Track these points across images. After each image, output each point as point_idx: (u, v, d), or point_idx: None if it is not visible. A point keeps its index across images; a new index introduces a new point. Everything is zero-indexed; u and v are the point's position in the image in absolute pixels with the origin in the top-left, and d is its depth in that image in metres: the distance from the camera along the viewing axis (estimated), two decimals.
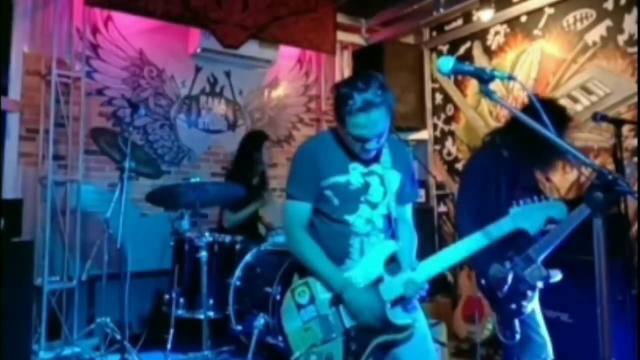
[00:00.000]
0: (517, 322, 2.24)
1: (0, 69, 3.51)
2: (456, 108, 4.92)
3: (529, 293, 2.24)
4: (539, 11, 4.18)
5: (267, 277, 3.20)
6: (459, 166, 4.86)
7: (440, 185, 5.03)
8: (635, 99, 3.55)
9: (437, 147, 5.09)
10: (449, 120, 5.00)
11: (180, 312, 3.39)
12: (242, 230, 3.85)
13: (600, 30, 3.80)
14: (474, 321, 3.87)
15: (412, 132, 5.03)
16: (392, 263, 1.92)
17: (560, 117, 2.29)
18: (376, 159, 1.97)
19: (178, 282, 3.46)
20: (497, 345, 3.27)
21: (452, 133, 4.96)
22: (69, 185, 3.87)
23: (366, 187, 1.94)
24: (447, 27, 5.01)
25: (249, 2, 4.39)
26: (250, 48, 4.49)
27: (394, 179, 1.98)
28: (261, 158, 4.14)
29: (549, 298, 2.39)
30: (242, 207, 3.92)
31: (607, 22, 3.75)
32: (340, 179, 1.92)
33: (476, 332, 3.85)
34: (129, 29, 4.25)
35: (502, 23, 4.46)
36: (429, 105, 5.15)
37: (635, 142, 3.54)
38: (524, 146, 2.26)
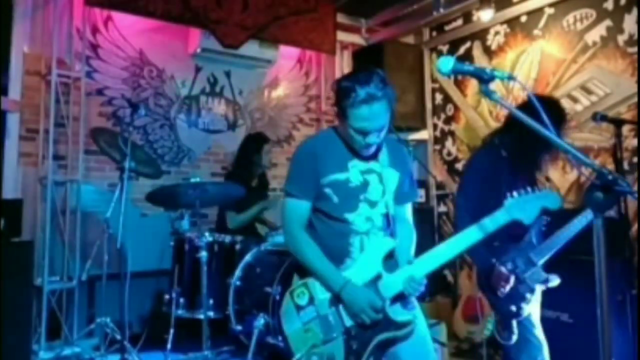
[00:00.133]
0: (514, 323, 2.25)
1: (0, 69, 3.51)
2: (456, 108, 4.92)
3: (529, 296, 2.26)
4: (539, 11, 4.18)
5: (267, 277, 3.20)
6: (459, 166, 4.86)
7: (440, 185, 5.03)
8: (635, 99, 3.55)
9: (437, 147, 5.09)
10: (449, 120, 5.00)
11: (180, 312, 3.38)
12: (242, 230, 3.85)
13: (600, 30, 3.80)
14: (474, 321, 3.87)
15: (412, 132, 5.03)
16: (390, 260, 1.93)
17: (558, 116, 2.29)
18: (375, 157, 1.98)
19: (178, 282, 3.46)
20: (497, 346, 3.27)
21: (452, 133, 4.96)
22: (69, 185, 3.87)
23: (365, 185, 1.95)
24: (447, 27, 5.01)
25: (249, 2, 4.39)
26: (250, 48, 4.48)
27: (392, 177, 1.99)
28: (260, 161, 4.14)
29: (549, 298, 2.39)
30: (245, 208, 3.92)
31: (607, 22, 3.75)
32: (340, 176, 1.93)
33: (476, 332, 3.85)
34: (129, 29, 4.25)
35: (502, 23, 4.47)
36: (429, 105, 5.15)
37: (635, 142, 3.54)
38: (523, 146, 2.27)
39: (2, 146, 3.56)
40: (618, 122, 2.73)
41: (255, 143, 4.20)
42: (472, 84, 4.73)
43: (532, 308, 2.32)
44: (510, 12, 4.36)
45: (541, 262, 2.28)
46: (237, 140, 4.49)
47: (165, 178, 4.06)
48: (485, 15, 4.38)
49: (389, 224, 2.00)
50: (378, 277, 1.87)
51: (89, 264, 3.75)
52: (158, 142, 4.37)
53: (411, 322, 1.87)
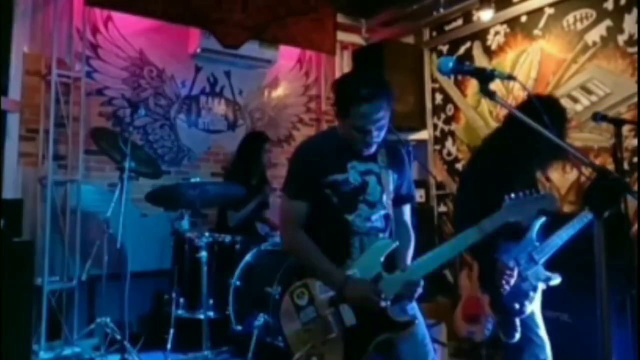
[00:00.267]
0: (517, 321, 2.26)
1: (0, 69, 3.51)
2: (456, 108, 4.92)
3: (531, 293, 2.28)
4: (539, 11, 4.18)
5: (267, 277, 3.20)
6: (459, 166, 4.86)
7: (440, 185, 5.03)
8: (635, 99, 3.55)
9: (437, 147, 5.09)
10: (449, 120, 5.00)
11: (180, 312, 3.39)
12: (242, 230, 3.85)
13: (600, 30, 3.80)
14: (474, 321, 3.86)
15: (412, 132, 5.03)
16: (390, 261, 1.93)
17: (559, 116, 2.30)
18: (374, 158, 1.98)
19: (178, 282, 3.46)
20: (497, 346, 3.27)
21: (452, 133, 4.96)
22: (69, 185, 3.86)
23: (364, 186, 1.95)
24: (447, 27, 5.01)
25: (249, 2, 4.39)
26: (250, 48, 4.48)
27: (391, 179, 2.00)
28: (260, 160, 4.15)
29: (549, 298, 2.39)
30: (244, 205, 3.92)
31: (607, 22, 3.75)
32: (339, 177, 1.94)
33: (476, 332, 3.84)
34: (129, 29, 4.24)
35: (502, 23, 4.46)
36: (429, 105, 5.14)
37: (635, 142, 3.54)
38: (523, 146, 2.27)
39: (2, 146, 3.56)
40: (618, 122, 2.71)
41: (254, 142, 4.21)
42: (472, 84, 4.72)
43: (535, 307, 2.34)
44: (510, 12, 4.36)
45: (542, 260, 2.30)
46: (237, 140, 4.49)
47: (165, 178, 4.05)
48: (485, 15, 4.38)
49: (388, 225, 2.00)
50: (378, 278, 1.87)
51: (89, 264, 3.74)
52: (158, 142, 4.37)
53: (411, 322, 1.87)
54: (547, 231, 2.37)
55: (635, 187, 3.49)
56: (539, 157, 2.36)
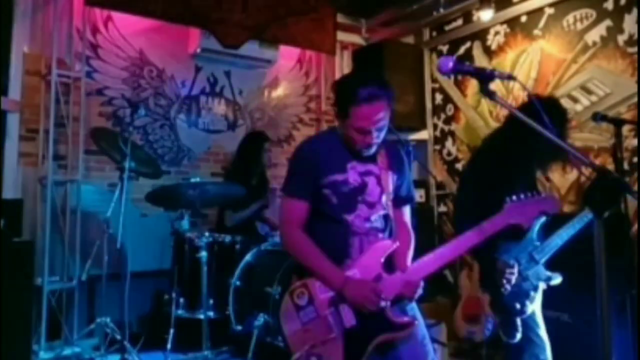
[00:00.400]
0: (518, 321, 2.26)
1: (0, 69, 3.51)
2: (456, 108, 4.92)
3: (532, 293, 2.28)
4: (539, 11, 4.18)
5: (267, 277, 3.20)
6: (459, 166, 4.86)
7: (440, 185, 5.03)
8: (635, 99, 3.55)
9: (437, 147, 5.09)
10: (449, 120, 5.00)
11: (180, 312, 3.39)
12: (242, 230, 3.85)
13: (600, 30, 3.80)
14: (474, 321, 3.86)
15: (412, 132, 5.03)
16: (390, 262, 1.93)
17: (559, 117, 2.30)
18: (374, 159, 1.99)
19: (178, 282, 3.46)
20: (498, 345, 3.27)
21: (452, 133, 4.96)
22: (69, 185, 3.86)
23: (363, 186, 1.95)
24: (447, 27, 5.01)
25: (249, 2, 4.39)
26: (250, 48, 4.48)
27: (391, 180, 2.00)
28: (261, 159, 4.15)
29: (549, 298, 2.39)
30: (243, 206, 3.92)
31: (607, 22, 3.75)
32: (339, 177, 1.94)
33: (476, 332, 3.84)
34: (129, 29, 4.24)
35: (502, 23, 4.46)
36: (429, 105, 5.14)
37: (635, 142, 3.54)
38: (523, 146, 2.27)
39: (2, 146, 3.56)
40: (618, 122, 2.71)
41: (255, 142, 4.21)
42: (472, 84, 4.72)
43: (535, 307, 2.34)
44: (510, 12, 4.36)
45: (543, 260, 2.30)
46: (237, 140, 4.49)
47: (165, 178, 4.05)
48: (485, 15, 4.38)
49: (388, 225, 2.00)
50: (378, 278, 1.87)
51: (89, 264, 3.74)
52: (158, 142, 4.37)
53: (410, 323, 1.87)
54: (547, 231, 2.37)
55: (635, 187, 3.49)
56: (540, 157, 2.36)
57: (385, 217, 2.00)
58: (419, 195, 4.91)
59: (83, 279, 3.75)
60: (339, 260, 1.92)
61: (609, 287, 1.31)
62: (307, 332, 1.87)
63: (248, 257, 3.44)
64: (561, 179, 3.97)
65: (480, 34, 4.66)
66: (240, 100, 4.83)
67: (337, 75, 5.30)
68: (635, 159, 3.54)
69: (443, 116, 5.05)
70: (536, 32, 4.21)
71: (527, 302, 2.27)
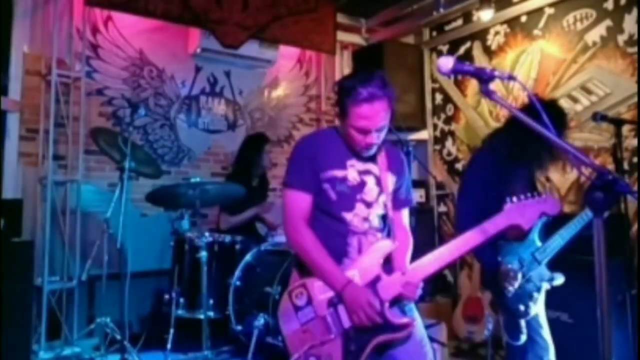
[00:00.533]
0: (523, 323, 2.26)
1: (0, 69, 3.51)
2: (456, 108, 4.92)
3: (535, 294, 2.27)
4: (539, 11, 4.18)
5: (267, 277, 3.20)
6: (459, 166, 4.86)
7: (440, 185, 5.03)
8: (635, 99, 3.55)
9: (437, 147, 5.09)
10: (449, 120, 5.00)
11: (180, 312, 3.39)
12: (242, 230, 3.86)
13: (600, 30, 3.80)
14: (474, 321, 3.87)
15: (412, 132, 5.03)
16: (389, 263, 1.93)
17: (559, 119, 2.30)
18: (373, 159, 1.99)
19: (178, 282, 3.46)
20: (498, 345, 3.28)
21: (452, 133, 4.96)
22: (69, 185, 3.86)
23: (362, 185, 1.95)
24: (447, 27, 5.01)
25: (249, 2, 4.39)
26: (250, 48, 4.48)
27: (390, 181, 2.00)
28: (261, 161, 4.15)
29: (549, 298, 2.39)
30: (240, 210, 3.92)
31: (607, 22, 3.75)
32: (338, 173, 1.94)
33: (476, 332, 3.85)
34: (129, 29, 4.24)
35: (502, 23, 4.47)
36: (429, 105, 5.15)
37: (635, 142, 3.54)
38: (523, 146, 2.27)
39: (2, 146, 3.56)
40: (618, 122, 2.73)
41: (256, 143, 4.20)
42: (472, 84, 4.73)
43: (539, 308, 2.33)
44: (510, 12, 4.36)
45: (545, 261, 2.30)
46: (237, 140, 4.49)
47: (165, 178, 4.05)
48: (485, 15, 4.38)
49: (386, 226, 2.00)
50: (377, 279, 1.87)
51: (89, 264, 3.74)
52: (158, 142, 4.37)
53: (409, 324, 1.87)
54: (548, 231, 2.37)
55: (635, 187, 3.49)
56: (539, 158, 2.36)
57: (384, 218, 2.00)
58: (419, 195, 4.91)
59: (83, 279, 3.75)
60: (337, 259, 1.92)
61: (609, 287, 1.31)
62: (305, 332, 1.87)
63: (248, 257, 3.44)
64: (561, 179, 3.97)
65: (480, 34, 4.66)
66: (240, 100, 4.83)
67: (337, 75, 5.30)
68: (635, 159, 3.54)
69: (443, 116, 5.05)
70: (536, 32, 4.21)
71: (531, 304, 2.27)
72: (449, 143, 4.99)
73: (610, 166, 2.72)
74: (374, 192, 1.97)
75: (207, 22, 4.18)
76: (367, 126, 1.85)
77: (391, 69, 4.68)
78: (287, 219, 1.98)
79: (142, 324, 3.97)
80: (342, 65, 5.37)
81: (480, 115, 4.68)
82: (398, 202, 2.05)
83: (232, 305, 3.31)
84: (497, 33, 4.53)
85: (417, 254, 1.99)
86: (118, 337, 3.28)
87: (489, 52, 4.60)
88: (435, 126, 5.13)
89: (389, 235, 1.99)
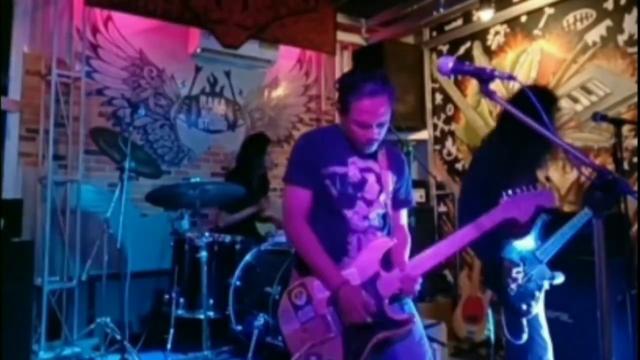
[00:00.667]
0: (524, 322, 2.26)
1: (0, 69, 3.51)
2: (456, 108, 4.92)
3: (537, 293, 2.28)
4: (539, 11, 4.18)
5: (267, 277, 3.20)
6: (459, 166, 4.86)
7: (440, 185, 5.03)
8: (635, 99, 3.55)
9: (437, 147, 5.09)
10: (449, 120, 5.00)
11: (180, 312, 3.39)
12: (241, 230, 3.86)
13: (600, 30, 3.80)
14: (474, 321, 3.87)
15: (412, 132, 5.03)
16: (388, 260, 1.93)
17: (547, 99, 2.29)
18: (374, 157, 1.99)
19: (178, 282, 3.47)
20: (498, 345, 3.27)
21: (452, 133, 4.96)
22: (69, 185, 3.86)
23: (362, 182, 1.96)
24: (447, 27, 5.01)
25: (249, 2, 4.39)
26: (250, 48, 4.48)
27: (390, 180, 2.00)
28: (262, 162, 4.15)
29: (549, 298, 2.39)
30: (240, 208, 3.92)
31: (607, 22, 3.75)
32: (339, 169, 1.94)
33: (476, 332, 3.85)
34: (129, 29, 4.24)
35: (502, 23, 4.47)
36: (429, 105, 5.15)
37: (635, 142, 3.54)
38: (522, 144, 2.27)
39: (2, 146, 3.56)
40: (618, 122, 2.72)
41: (257, 144, 4.20)
42: (472, 84, 4.73)
43: (539, 308, 2.34)
44: (510, 12, 4.36)
45: (546, 259, 2.31)
46: (237, 140, 4.49)
47: (165, 178, 4.05)
48: (485, 15, 4.38)
49: (386, 224, 2.00)
50: (376, 276, 1.88)
51: (89, 264, 3.74)
52: (158, 142, 4.37)
53: (409, 320, 1.87)
54: (548, 230, 2.37)
55: (635, 187, 3.49)
56: (536, 153, 2.36)
57: (384, 216, 2.00)
58: (419, 195, 4.91)
59: (83, 279, 3.75)
60: (337, 257, 1.92)
61: (609, 287, 1.31)
62: (306, 331, 1.87)
63: (248, 257, 3.44)
64: (561, 179, 3.97)
65: (480, 34, 4.66)
66: (240, 100, 4.83)
67: (337, 75, 5.30)
68: (635, 159, 3.54)
69: (443, 116, 5.05)
70: (536, 32, 4.21)
71: (533, 303, 2.27)
72: (449, 143, 4.99)
73: (610, 166, 2.71)
74: (375, 190, 1.97)
75: (207, 22, 4.19)
76: (368, 120, 1.86)
77: (391, 69, 4.68)
78: (286, 215, 1.99)
79: (142, 324, 3.97)
80: (342, 65, 5.37)
81: (480, 115, 4.68)
82: (398, 202, 2.05)
83: (232, 305, 3.32)
84: (497, 33, 4.53)
85: (416, 254, 1.99)
86: (118, 337, 3.28)
87: (489, 52, 4.60)
88: (435, 126, 5.13)
89: (389, 234, 1.99)
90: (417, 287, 1.87)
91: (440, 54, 5.08)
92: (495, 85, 4.08)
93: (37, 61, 3.80)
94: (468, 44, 4.79)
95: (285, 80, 5.12)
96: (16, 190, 3.65)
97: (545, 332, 2.36)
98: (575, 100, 3.94)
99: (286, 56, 5.00)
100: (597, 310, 1.31)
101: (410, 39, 5.31)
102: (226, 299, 3.33)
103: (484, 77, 1.47)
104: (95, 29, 4.12)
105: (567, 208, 3.91)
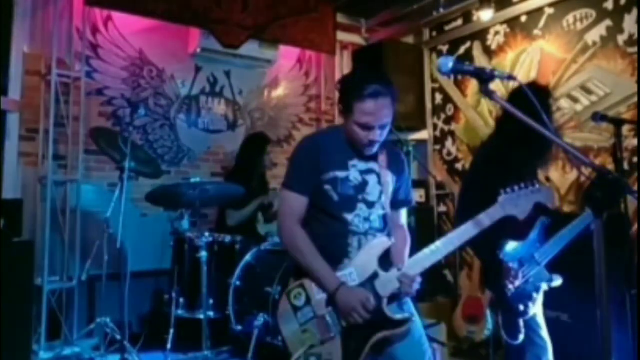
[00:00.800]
0: (521, 322, 2.27)
1: (0, 69, 3.51)
2: (456, 108, 4.92)
3: (535, 295, 2.29)
4: (539, 11, 4.18)
5: (267, 277, 3.20)
6: (459, 166, 4.86)
7: (440, 185, 5.03)
8: (635, 99, 3.55)
9: (437, 147, 5.09)
10: (449, 120, 5.00)
11: (180, 312, 3.39)
12: (242, 230, 3.85)
13: (600, 30, 3.80)
14: (474, 321, 3.87)
15: (412, 132, 5.03)
16: (387, 259, 1.93)
17: (542, 96, 2.29)
18: (375, 158, 1.99)
19: (178, 282, 3.46)
20: (498, 345, 3.27)
21: (452, 133, 4.96)
22: (69, 185, 3.86)
23: (364, 185, 1.96)
24: (447, 27, 5.01)
25: (249, 2, 4.39)
26: (250, 48, 4.48)
27: (391, 180, 2.01)
28: (262, 161, 4.14)
29: (549, 298, 2.40)
30: (244, 205, 3.91)
31: (607, 22, 3.75)
32: (340, 174, 1.94)
33: (476, 332, 3.84)
34: (129, 29, 4.24)
35: (502, 23, 4.47)
36: (429, 105, 5.15)
37: (635, 142, 3.54)
38: (523, 145, 2.27)
39: (2, 146, 3.56)
40: (618, 122, 2.72)
41: (257, 144, 4.20)
42: (472, 84, 4.72)
43: (537, 308, 2.34)
44: (510, 12, 4.36)
45: (545, 261, 2.31)
46: (237, 140, 4.49)
47: (165, 178, 4.05)
48: (485, 15, 4.38)
49: (387, 226, 2.00)
50: (375, 276, 1.88)
51: (89, 264, 3.74)
52: (158, 142, 4.37)
53: (408, 320, 1.87)
54: (548, 233, 2.37)
55: (635, 187, 3.49)
56: (537, 153, 2.36)
57: (384, 217, 2.00)
58: (419, 195, 4.91)
59: (83, 279, 3.75)
60: (337, 259, 1.92)
61: (609, 287, 1.31)
62: (305, 332, 1.87)
63: (248, 257, 3.44)
64: (561, 179, 3.97)
65: (480, 34, 4.66)
66: (240, 100, 4.83)
67: (337, 76, 5.30)
68: (635, 159, 3.54)
69: (443, 116, 5.05)
70: (536, 32, 4.21)
71: (530, 304, 2.28)
72: (449, 143, 4.99)
73: (610, 166, 2.72)
74: (376, 191, 1.97)
75: (207, 22, 4.19)
76: (370, 122, 1.86)
77: (391, 69, 4.68)
78: (281, 220, 2.00)
79: (142, 324, 3.97)
80: (342, 66, 5.37)
81: (480, 115, 4.68)
82: (398, 201, 2.05)
83: (232, 305, 3.31)
84: (497, 33, 4.53)
85: (416, 253, 2.00)
86: (118, 337, 3.28)
87: (489, 52, 4.60)
88: (435, 126, 5.13)
89: (389, 236, 1.99)
90: (416, 286, 1.87)
91: (440, 54, 5.08)
92: (495, 85, 4.10)
93: (37, 61, 3.80)
94: (468, 44, 4.79)
95: (285, 80, 5.12)
96: (16, 190, 3.65)
97: (544, 333, 2.36)
98: (575, 100, 3.94)
99: (286, 56, 5.00)
100: (597, 310, 1.31)
101: (410, 39, 5.31)
102: (226, 299, 3.33)
103: (484, 77, 1.47)
104: (95, 29, 4.12)
105: (567, 208, 3.91)
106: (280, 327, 1.92)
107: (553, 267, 2.34)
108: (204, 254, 3.24)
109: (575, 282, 2.39)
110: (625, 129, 3.29)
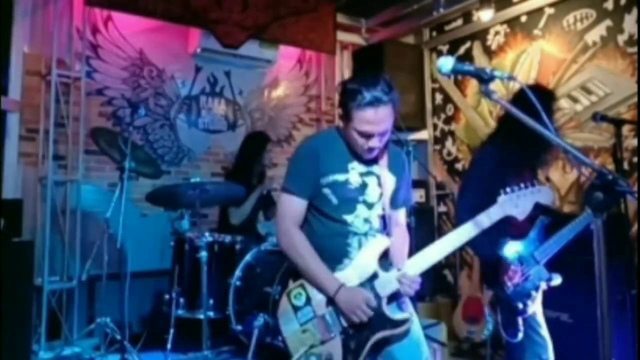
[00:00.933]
0: (520, 321, 2.27)
1: (0, 69, 3.51)
2: (456, 108, 4.92)
3: (534, 293, 2.29)
4: (539, 11, 4.18)
5: (267, 277, 3.20)
6: (459, 166, 4.86)
7: (440, 185, 5.03)
8: (635, 99, 3.55)
9: (437, 147, 5.09)
10: (449, 120, 5.00)
11: (180, 312, 3.39)
12: (242, 230, 3.85)
13: (600, 30, 3.80)
14: (474, 321, 3.87)
15: (412, 132, 5.02)
16: (386, 259, 1.93)
17: (545, 98, 2.29)
18: (375, 160, 1.99)
19: (178, 282, 3.46)
20: (498, 345, 3.28)
21: (452, 133, 4.96)
22: (69, 185, 3.86)
23: (363, 187, 1.96)
24: (447, 27, 5.01)
25: (249, 2, 4.39)
26: (250, 48, 4.48)
27: (390, 181, 2.00)
28: (262, 160, 4.14)
29: (549, 298, 2.40)
30: (241, 205, 3.91)
31: (607, 22, 3.75)
32: (339, 177, 1.94)
33: (476, 332, 3.85)
34: (129, 29, 4.24)
35: (502, 23, 4.47)
36: (429, 105, 5.15)
37: (635, 142, 3.54)
38: (523, 145, 2.27)
39: (2, 146, 3.56)
40: (618, 122, 2.73)
41: (256, 142, 4.19)
42: (472, 84, 4.73)
43: (536, 307, 2.34)
44: (510, 12, 4.36)
45: (544, 260, 2.31)
46: (237, 140, 4.49)
47: (165, 178, 4.06)
48: (485, 15, 4.38)
49: (387, 226, 2.00)
50: (374, 276, 1.88)
51: (89, 264, 3.75)
52: (158, 142, 4.37)
53: (408, 319, 1.87)
54: (548, 232, 2.38)
55: (635, 187, 3.49)
56: (537, 153, 2.37)
57: (384, 218, 2.00)
58: (419, 195, 4.91)
59: (83, 279, 3.75)
60: (337, 260, 1.92)
61: (609, 287, 1.31)
62: (305, 332, 1.87)
63: (248, 257, 3.44)
64: (561, 179, 3.97)
65: (480, 34, 4.66)
66: (240, 100, 4.83)
67: (337, 75, 5.31)
68: (635, 159, 3.54)
69: (443, 116, 5.05)
70: (536, 32, 4.21)
71: (529, 302, 2.28)
72: (449, 143, 4.99)
73: (610, 166, 2.72)
74: (376, 192, 1.97)
75: (207, 22, 4.18)
76: (370, 131, 1.84)
77: (391, 69, 4.69)
78: (279, 223, 2.00)
79: (142, 324, 3.98)
80: (342, 66, 5.38)
81: (480, 115, 4.68)
82: (397, 201, 2.05)
83: (232, 305, 3.31)
84: (497, 33, 4.53)
85: (416, 253, 2.00)
86: (118, 337, 3.28)
87: (489, 52, 4.60)
88: (435, 126, 5.13)
89: (389, 236, 1.99)
90: (416, 286, 1.87)
91: (440, 54, 5.08)
92: (495, 85, 4.10)
93: (37, 61, 3.80)
94: (468, 44, 4.79)
95: (285, 80, 5.12)
96: (16, 190, 3.65)
97: (544, 331, 2.36)
98: (575, 100, 3.94)
99: (286, 56, 5.00)
100: (597, 310, 1.31)
101: (410, 39, 5.31)
102: (226, 299, 3.33)
103: (484, 77, 1.47)
104: (95, 29, 4.12)
105: (567, 208, 3.92)
106: (280, 327, 1.92)
107: (553, 267, 2.34)
108: (204, 254, 3.24)
109: (575, 282, 2.40)
110: (625, 129, 3.30)
